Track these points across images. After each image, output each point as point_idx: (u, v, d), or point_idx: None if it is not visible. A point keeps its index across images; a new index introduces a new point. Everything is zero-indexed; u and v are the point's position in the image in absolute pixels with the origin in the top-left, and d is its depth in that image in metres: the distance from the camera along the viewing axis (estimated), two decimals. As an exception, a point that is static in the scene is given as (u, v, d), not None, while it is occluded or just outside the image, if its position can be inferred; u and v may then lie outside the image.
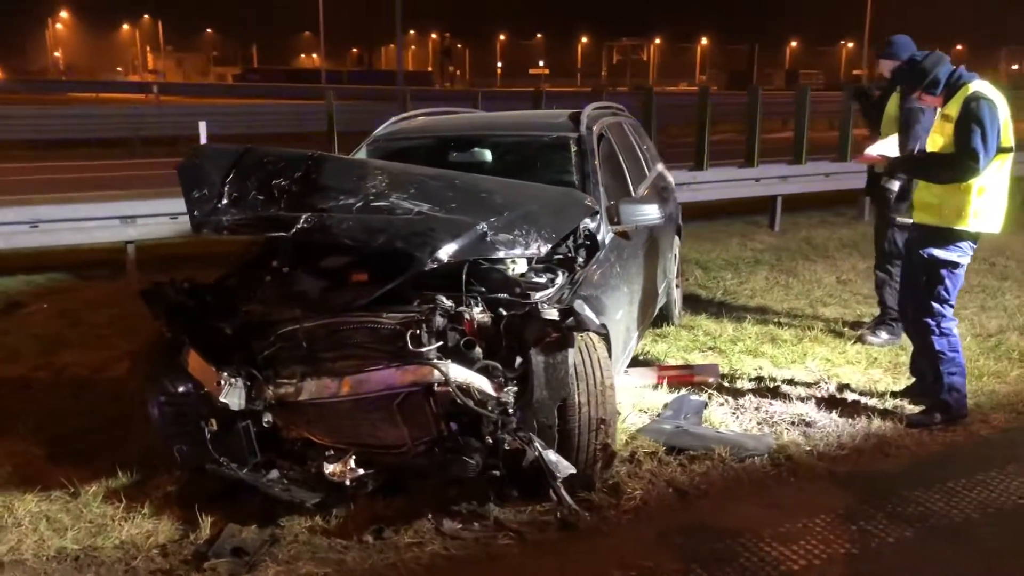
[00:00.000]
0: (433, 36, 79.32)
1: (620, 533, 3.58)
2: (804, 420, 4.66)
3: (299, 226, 3.71)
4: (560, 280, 3.98)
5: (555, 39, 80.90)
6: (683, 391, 5.02)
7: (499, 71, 75.69)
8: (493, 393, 3.61)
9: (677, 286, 6.65)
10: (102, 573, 3.38)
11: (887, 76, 5.98)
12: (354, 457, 3.76)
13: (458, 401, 3.54)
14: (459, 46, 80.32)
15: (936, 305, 4.55)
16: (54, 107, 25.23)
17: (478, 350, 3.66)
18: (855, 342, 6.03)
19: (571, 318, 3.59)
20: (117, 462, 4.17)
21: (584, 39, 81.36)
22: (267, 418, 3.81)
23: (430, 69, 72.34)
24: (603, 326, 3.85)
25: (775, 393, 5.06)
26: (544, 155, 5.04)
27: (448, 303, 3.71)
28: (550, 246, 3.81)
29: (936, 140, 4.55)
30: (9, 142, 19.43)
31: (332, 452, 3.80)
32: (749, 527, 3.59)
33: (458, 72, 77.38)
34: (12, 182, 14.41)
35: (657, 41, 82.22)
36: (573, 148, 4.93)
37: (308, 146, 20.69)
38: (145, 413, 4.02)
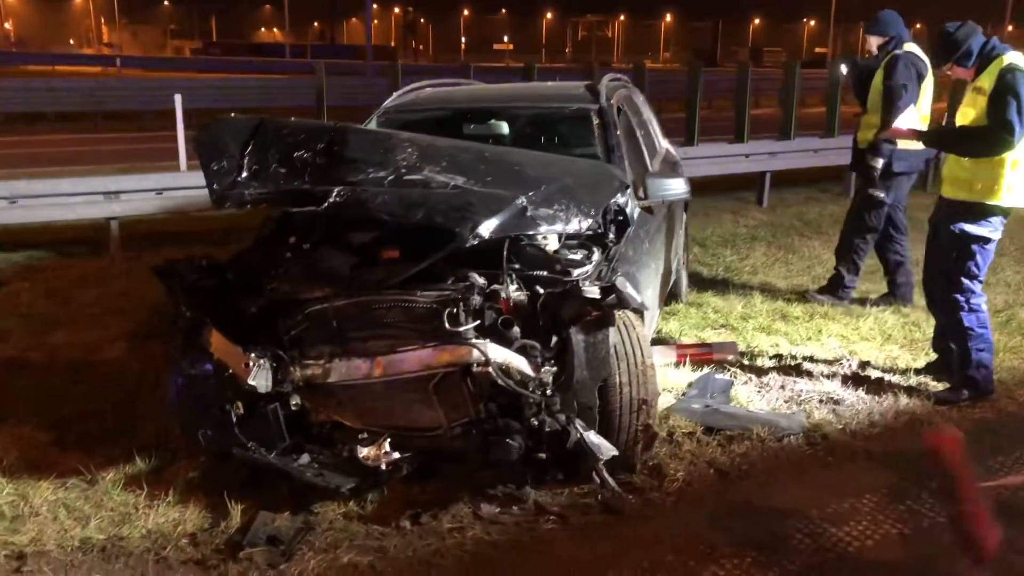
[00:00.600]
0: (396, 10, 78.36)
1: (667, 516, 3.48)
2: (832, 398, 4.60)
3: (331, 200, 3.54)
4: (596, 257, 3.85)
5: (519, 15, 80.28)
6: (706, 370, 4.93)
7: (463, 46, 74.95)
8: (532, 373, 3.49)
9: (684, 263, 6.56)
10: (131, 564, 3.22)
11: (874, 51, 6.07)
12: (388, 440, 3.62)
13: (499, 382, 3.41)
14: (422, 21, 79.43)
15: (966, 281, 4.49)
16: (13, 79, 24.38)
17: (516, 329, 3.53)
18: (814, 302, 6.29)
19: (612, 296, 3.48)
20: (131, 447, 3.99)
21: (549, 15, 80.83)
22: (295, 400, 3.64)
23: (393, 44, 71.44)
24: (643, 304, 3.74)
25: (798, 371, 4.99)
26: (565, 127, 4.90)
27: (481, 281, 3.58)
28: (590, 221, 3.68)
29: (967, 113, 4.47)
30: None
31: (365, 435, 3.65)
32: (797, 508, 3.52)
33: (422, 47, 76.61)
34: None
35: (622, 18, 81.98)
36: (595, 120, 4.79)
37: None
38: (162, 396, 3.85)
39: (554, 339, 3.56)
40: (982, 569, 3.02)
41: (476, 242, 3.40)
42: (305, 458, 3.64)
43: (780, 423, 4.19)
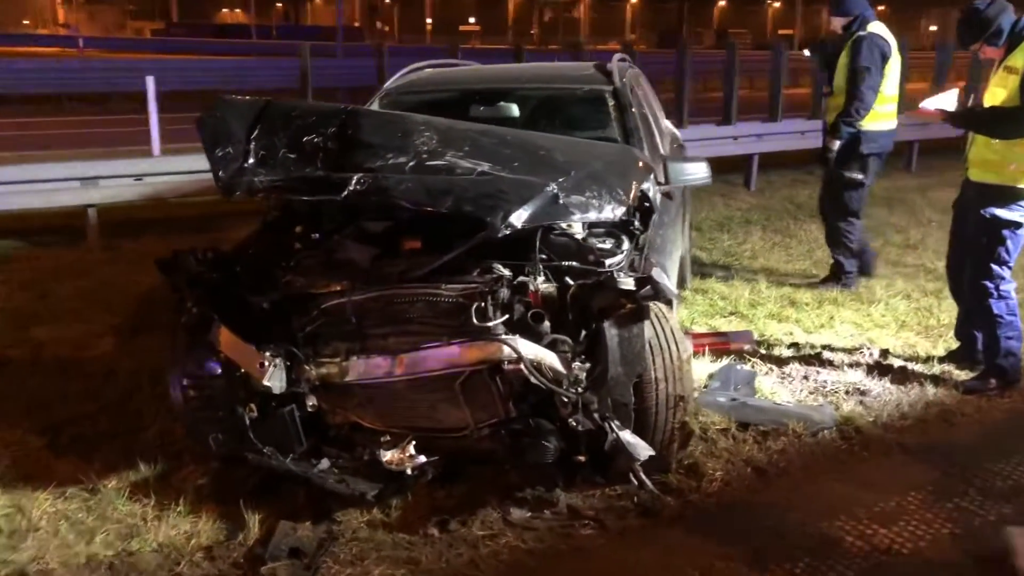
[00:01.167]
0: (360, -10, 77.17)
1: (708, 519, 3.32)
2: (859, 389, 4.46)
3: (351, 188, 3.31)
4: (626, 246, 3.66)
5: (486, -5, 79.57)
6: (727, 360, 4.76)
7: (429, 27, 74.03)
8: (564, 370, 3.30)
9: (688, 249, 6.39)
10: (144, 582, 3.00)
11: (840, 32, 6.09)
12: (413, 443, 3.41)
13: (531, 380, 3.22)
14: (387, 1, 78.39)
15: (996, 267, 4.37)
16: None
17: (547, 323, 3.33)
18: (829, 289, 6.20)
19: (648, 287, 3.29)
20: (132, 451, 3.77)
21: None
22: (311, 401, 3.42)
23: (357, 24, 70.42)
24: (679, 295, 3.56)
25: (818, 360, 4.85)
26: (579, 109, 4.69)
27: (506, 272, 3.38)
28: (624, 208, 3.48)
29: (997, 93, 4.33)
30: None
31: (388, 438, 3.44)
32: (843, 507, 3.36)
33: (387, 28, 75.60)
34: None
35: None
36: (610, 102, 4.59)
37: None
38: (165, 397, 3.62)
39: (583, 333, 3.37)
40: None
41: (508, 232, 3.19)
42: (325, 463, 3.43)
43: (812, 416, 4.04)
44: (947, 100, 4.53)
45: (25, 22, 78.75)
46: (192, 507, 3.36)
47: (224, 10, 75.62)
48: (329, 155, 3.59)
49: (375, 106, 4.89)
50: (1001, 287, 4.38)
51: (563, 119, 4.65)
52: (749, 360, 4.80)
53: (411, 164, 3.46)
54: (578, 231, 3.59)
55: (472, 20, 77.85)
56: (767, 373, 4.68)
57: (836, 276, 6.36)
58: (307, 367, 3.38)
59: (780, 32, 77.24)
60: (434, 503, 3.44)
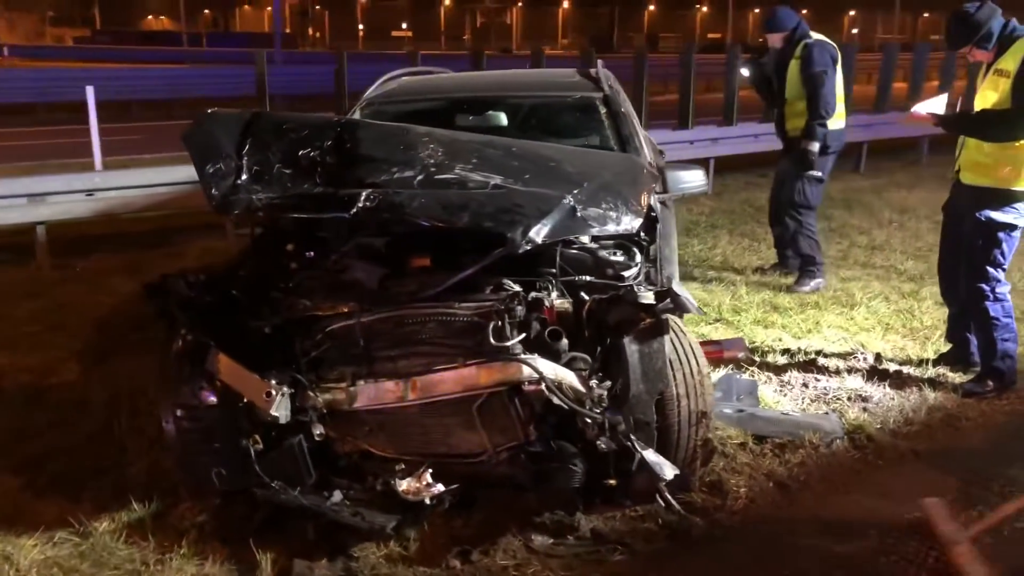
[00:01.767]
0: (289, -3, 75.97)
1: (739, 539, 3.22)
2: (860, 395, 4.43)
3: (361, 205, 3.14)
4: (639, 258, 3.55)
5: (417, 1, 79.11)
6: (725, 370, 4.69)
7: (361, 33, 73.37)
8: (583, 389, 3.17)
9: (669, 256, 6.33)
10: (153, 635, 2.78)
11: (778, 46, 6.37)
12: (430, 470, 3.25)
13: (553, 401, 3.08)
14: (317, 7, 77.49)
15: (991, 270, 4.37)
16: None
17: (564, 341, 3.20)
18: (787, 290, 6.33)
19: (667, 300, 3.18)
20: (120, 488, 3.52)
21: (447, 1, 79.96)
22: (318, 430, 3.23)
23: (288, 31, 69.48)
24: (699, 308, 3.46)
25: (815, 367, 4.81)
26: (571, 117, 4.58)
27: (518, 288, 3.24)
28: (641, 220, 3.37)
29: (988, 97, 4.33)
30: None
31: (402, 466, 3.27)
32: (872, 520, 3.30)
33: (318, 35, 74.74)
34: None
35: (520, 4, 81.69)
36: (602, 109, 4.49)
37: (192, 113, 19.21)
38: (153, 429, 3.40)
39: (598, 350, 3.25)
40: None
41: (529, 247, 3.06)
42: (337, 496, 3.24)
43: (824, 426, 3.98)
44: (937, 104, 4.54)
45: (-63, 31, 75.89)
46: (196, 548, 3.14)
47: (149, 17, 73.91)
48: (328, 170, 3.42)
49: (357, 116, 4.71)
50: (997, 289, 4.39)
51: (555, 127, 4.53)
52: (746, 369, 4.74)
53: (419, 178, 3.31)
54: (593, 244, 3.47)
55: (404, 26, 77.46)
56: (766, 382, 4.62)
57: (807, 271, 6.46)
58: (312, 394, 3.20)
59: (709, 36, 78.44)
60: (452, 532, 3.27)
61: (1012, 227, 4.31)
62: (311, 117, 3.76)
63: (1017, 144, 4.21)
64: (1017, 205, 4.29)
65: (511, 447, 3.24)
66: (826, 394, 4.45)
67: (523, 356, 3.09)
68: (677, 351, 3.37)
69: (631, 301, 3.15)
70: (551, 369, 3.10)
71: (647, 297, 3.16)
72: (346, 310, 3.23)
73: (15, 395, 4.55)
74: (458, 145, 3.54)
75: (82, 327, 5.67)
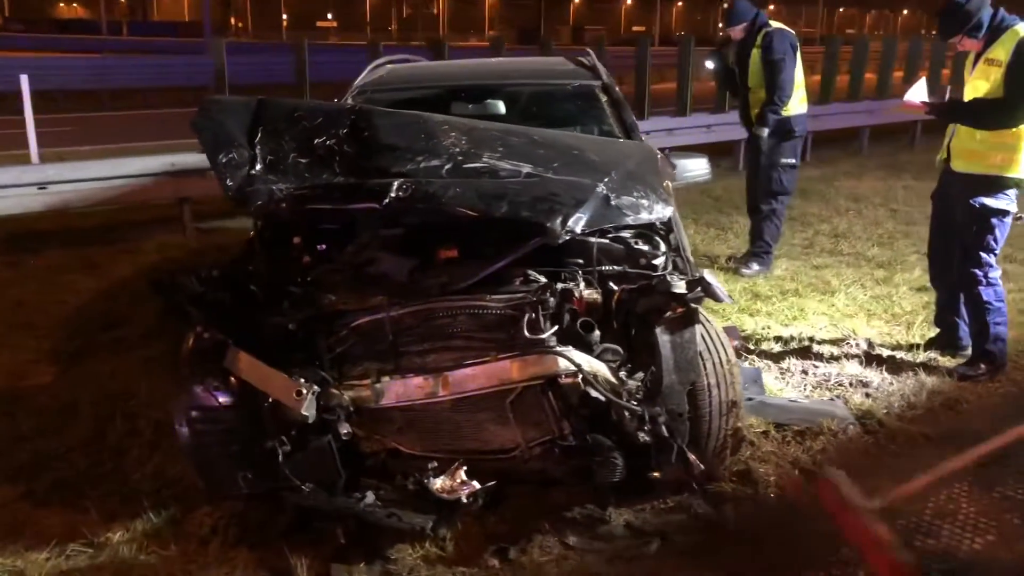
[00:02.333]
0: (209, -15, 73.76)
1: (776, 528, 3.20)
2: (861, 381, 4.47)
3: (393, 195, 3.03)
4: (663, 247, 3.51)
5: (342, -9, 77.99)
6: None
7: (285, 23, 71.99)
8: (615, 381, 3.12)
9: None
10: (192, 650, 2.64)
11: (740, 37, 6.54)
12: (464, 468, 3.16)
13: (591, 394, 3.03)
14: (239, -4, 75.80)
15: (984, 255, 4.45)
16: None
17: (597, 333, 3.15)
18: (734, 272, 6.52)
19: (698, 290, 3.15)
20: (128, 496, 3.35)
21: (372, -9, 79.03)
22: (344, 429, 3.11)
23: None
24: (730, 297, 3.44)
25: (810, 354, 4.85)
26: (572, 105, 4.52)
27: (545, 279, 3.18)
28: (671, 209, 3.34)
29: (979, 86, 4.41)
30: None
31: (435, 464, 3.17)
32: (900, 506, 3.31)
33: (240, 24, 73.10)
34: None
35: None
36: (603, 97, 4.44)
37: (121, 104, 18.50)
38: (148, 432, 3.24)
39: (628, 340, 3.21)
40: None
41: (568, 237, 3.00)
42: (370, 497, 3.12)
43: (836, 412, 4.01)
44: (920, 89, 4.60)
45: None
46: (223, 555, 3.00)
47: (61, 4, 71.24)
48: (347, 159, 3.31)
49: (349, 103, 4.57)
50: (990, 275, 4.48)
51: (555, 116, 4.46)
52: (744, 357, 4.75)
53: (447, 167, 3.21)
54: (625, 234, 3.41)
55: (329, 16, 76.27)
56: (766, 369, 4.64)
57: (758, 255, 6.64)
58: (338, 392, 3.08)
59: (634, 29, 79.19)
60: (485, 530, 3.20)
61: (1005, 213, 4.40)
62: (321, 104, 3.63)
63: (1012, 132, 4.29)
64: (1009, 191, 4.38)
65: (544, 442, 3.18)
66: (827, 380, 4.49)
67: (559, 348, 3.03)
68: (706, 340, 3.34)
69: (664, 290, 3.11)
70: (587, 361, 3.05)
71: (680, 286, 3.11)
72: (373, 304, 3.12)
73: (-9, 400, 4.30)
74: (480, 133, 3.45)
75: (48, 327, 5.41)
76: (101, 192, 7.12)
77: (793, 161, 6.58)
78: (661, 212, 3.25)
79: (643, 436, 3.03)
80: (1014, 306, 5.66)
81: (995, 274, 4.50)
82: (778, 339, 5.09)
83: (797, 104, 6.47)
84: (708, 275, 3.19)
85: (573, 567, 3.01)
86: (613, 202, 3.14)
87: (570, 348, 3.05)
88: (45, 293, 6.06)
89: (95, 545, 3.07)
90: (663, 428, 3.08)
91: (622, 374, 3.14)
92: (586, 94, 4.48)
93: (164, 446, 3.72)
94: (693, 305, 3.14)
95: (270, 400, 3.05)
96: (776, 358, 4.79)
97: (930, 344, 4.92)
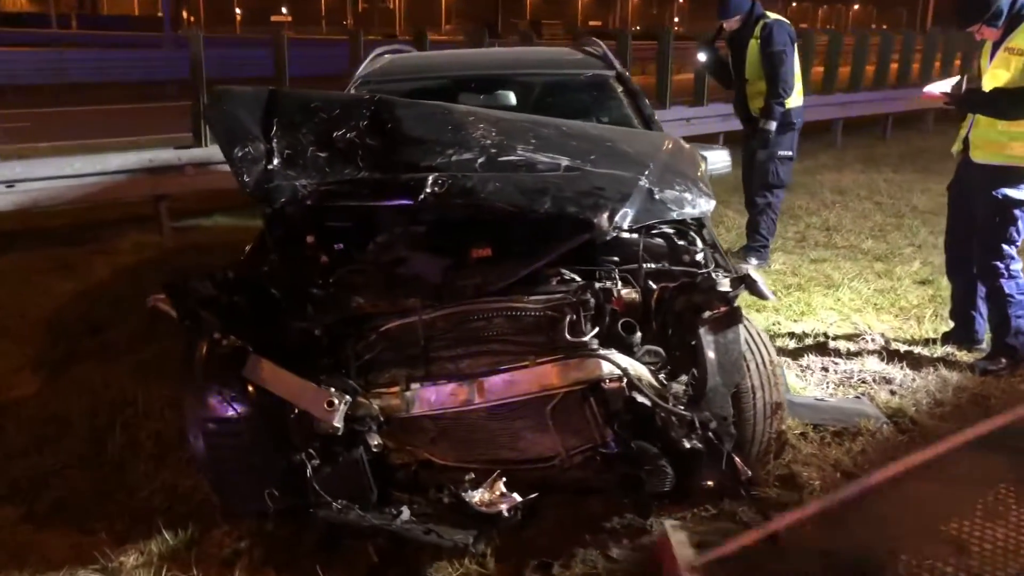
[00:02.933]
0: (160, -21, 72.18)
1: (826, 535, 3.06)
2: (884, 378, 4.37)
3: (429, 190, 2.84)
4: (700, 243, 3.36)
5: (296, -16, 76.98)
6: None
7: (238, 18, 70.91)
8: (659, 385, 2.96)
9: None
10: None
11: (735, 28, 6.37)
12: (504, 479, 2.98)
13: (638, 399, 2.87)
14: (190, -10, 74.48)
15: (1006, 247, 4.37)
16: None
17: (639, 334, 2.99)
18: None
19: (741, 287, 3.02)
20: (138, 516, 3.12)
21: (327, -15, 78.18)
22: (375, 441, 2.92)
23: (160, 15, 66.54)
24: (774, 295, 3.30)
25: (827, 350, 4.74)
26: (588, 96, 4.35)
27: (580, 279, 3.02)
28: (713, 202, 3.19)
29: (999, 75, 4.31)
30: None
31: (472, 475, 2.99)
32: (948, 510, 3.20)
33: (192, 19, 71.82)
34: None
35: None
36: (619, 87, 4.29)
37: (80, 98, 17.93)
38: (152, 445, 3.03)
39: (668, 342, 3.06)
40: None
41: (616, 233, 2.84)
42: (406, 512, 2.93)
43: (866, 411, 3.90)
44: (947, 85, 4.52)
45: None
46: (250, 577, 2.79)
47: (4, -2, 69.40)
48: (370, 153, 3.11)
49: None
50: (1011, 267, 4.40)
51: (571, 106, 4.29)
52: (762, 354, 4.62)
53: (481, 160, 3.03)
54: (669, 230, 3.26)
55: (284, 11, 75.28)
56: (785, 367, 4.51)
57: (756, 249, 6.59)
58: (367, 401, 2.89)
59: (590, 23, 79.32)
60: (523, 544, 3.02)
61: (1028, 203, 4.33)
62: (339, 95, 3.42)
63: (1032, 121, 4.21)
64: (1031, 182, 4.30)
65: (585, 450, 3.02)
66: (849, 377, 4.38)
67: (603, 352, 2.88)
68: (749, 340, 3.20)
69: (709, 288, 2.96)
70: (631, 365, 2.89)
71: (725, 284, 2.97)
72: (405, 307, 2.94)
73: (-26, 412, 4.03)
74: (508, 124, 3.28)
75: (24, 332, 5.13)
76: (74, 190, 6.79)
77: (790, 153, 6.52)
78: (705, 206, 3.11)
79: (689, 442, 2.88)
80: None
81: (1017, 266, 4.42)
82: (791, 335, 4.98)
83: (796, 95, 6.39)
84: (752, 271, 3.05)
85: (624, 581, 2.85)
86: (657, 196, 2.99)
87: (613, 351, 2.90)
88: (18, 296, 5.75)
89: (108, 571, 2.84)
90: (713, 434, 2.94)
91: (662, 376, 3.00)
92: (601, 84, 4.32)
93: (170, 459, 3.50)
94: (736, 304, 3.02)
95: (296, 411, 2.85)
96: (793, 355, 4.68)
97: (946, 338, 4.84)
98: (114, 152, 7.35)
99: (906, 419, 3.88)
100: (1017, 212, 4.33)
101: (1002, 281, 4.40)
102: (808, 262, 6.58)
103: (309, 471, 2.83)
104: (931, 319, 5.21)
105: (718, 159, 4.17)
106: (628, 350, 2.95)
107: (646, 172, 3.06)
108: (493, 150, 3.06)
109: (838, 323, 5.20)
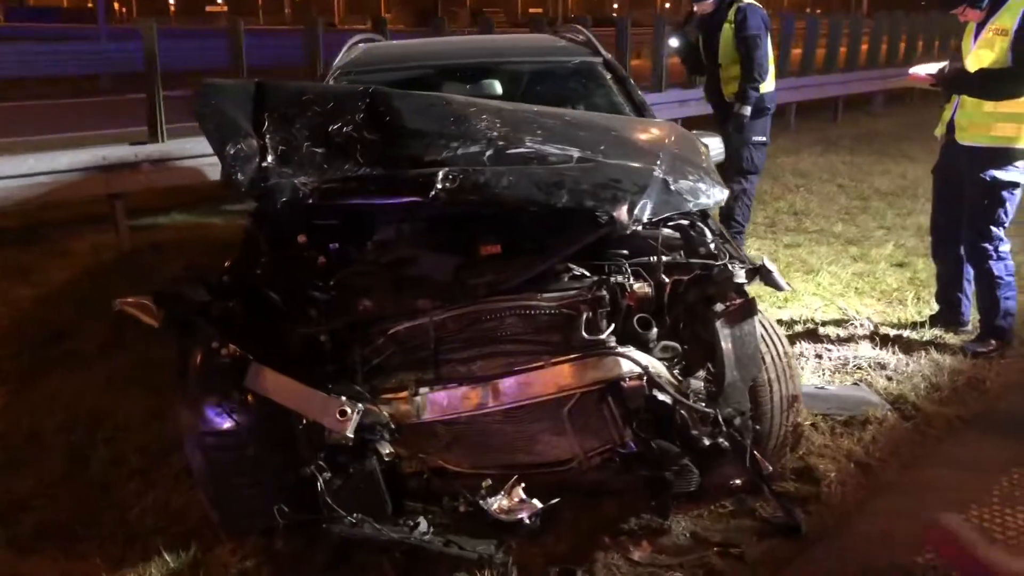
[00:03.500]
0: (89, -31, 70.17)
1: (853, 531, 3.00)
2: (879, 363, 4.34)
3: (439, 186, 2.70)
4: (709, 235, 3.26)
5: (231, -26, 75.46)
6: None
7: (172, 8, 69.35)
8: (677, 381, 2.88)
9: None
10: None
11: (708, 11, 6.22)
12: (522, 485, 2.86)
13: (659, 397, 2.78)
14: (121, -19, 72.55)
15: (994, 229, 4.37)
16: None
17: (655, 329, 2.89)
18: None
19: (756, 279, 2.95)
20: (132, 537, 2.94)
21: (263, -26, 76.75)
22: (387, 450, 2.78)
23: (91, 5, 64.61)
24: (790, 286, 3.22)
25: (819, 337, 4.70)
26: (576, 83, 4.23)
27: (592, 274, 2.92)
28: (727, 192, 3.10)
29: (983, 56, 4.30)
30: None
31: (489, 482, 2.86)
32: (967, 496, 3.17)
33: (124, 10, 70.03)
34: None
35: (340, -23, 79.58)
36: (607, 75, 4.18)
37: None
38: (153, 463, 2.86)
39: (683, 336, 2.97)
40: None
41: (637, 226, 2.73)
42: (423, 524, 2.80)
43: (868, 398, 3.87)
44: (933, 68, 4.50)
45: None
46: (263, 601, 2.64)
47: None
48: (370, 148, 2.96)
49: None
50: (1000, 248, 4.40)
51: (560, 94, 4.17)
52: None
53: (489, 153, 2.90)
54: (684, 221, 3.16)
55: (219, 1, 73.77)
56: (780, 356, 4.46)
57: (732, 236, 6.39)
58: (377, 408, 2.75)
59: (531, 11, 79.09)
60: (543, 551, 2.91)
61: (1015, 185, 4.32)
62: (331, 86, 3.25)
63: (1019, 101, 4.20)
64: (1019, 163, 4.29)
65: (603, 451, 2.92)
66: (844, 364, 4.35)
67: (621, 349, 2.78)
68: (764, 332, 3.13)
69: (725, 279, 2.88)
70: (651, 361, 2.80)
71: (741, 275, 2.89)
72: (414, 308, 2.80)
73: (-62, 430, 3.79)
74: (511, 114, 3.15)
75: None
76: (23, 190, 6.46)
77: (764, 139, 6.42)
78: (719, 196, 3.02)
79: (711, 440, 2.79)
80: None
81: (1005, 248, 4.42)
82: (779, 322, 4.92)
83: (769, 80, 6.30)
84: (768, 263, 2.97)
85: (648, 585, 2.75)
86: (673, 187, 2.90)
87: (631, 348, 2.80)
88: (-25, 303, 5.47)
89: (108, 599, 2.66)
90: (736, 431, 2.86)
91: (676, 372, 2.91)
92: (589, 71, 4.21)
93: (158, 475, 3.32)
94: (751, 296, 2.94)
95: (304, 422, 2.69)
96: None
97: (933, 321, 4.84)
98: (64, 149, 7.02)
99: (908, 405, 3.85)
100: (1005, 194, 4.32)
101: (991, 263, 4.40)
102: (782, 247, 6.58)
103: (321, 484, 2.68)
104: (913, 302, 5.21)
105: (715, 146, 4.08)
106: (644, 346, 2.86)
107: (658, 162, 2.96)
108: (501, 142, 2.93)
109: (823, 308, 5.17)
